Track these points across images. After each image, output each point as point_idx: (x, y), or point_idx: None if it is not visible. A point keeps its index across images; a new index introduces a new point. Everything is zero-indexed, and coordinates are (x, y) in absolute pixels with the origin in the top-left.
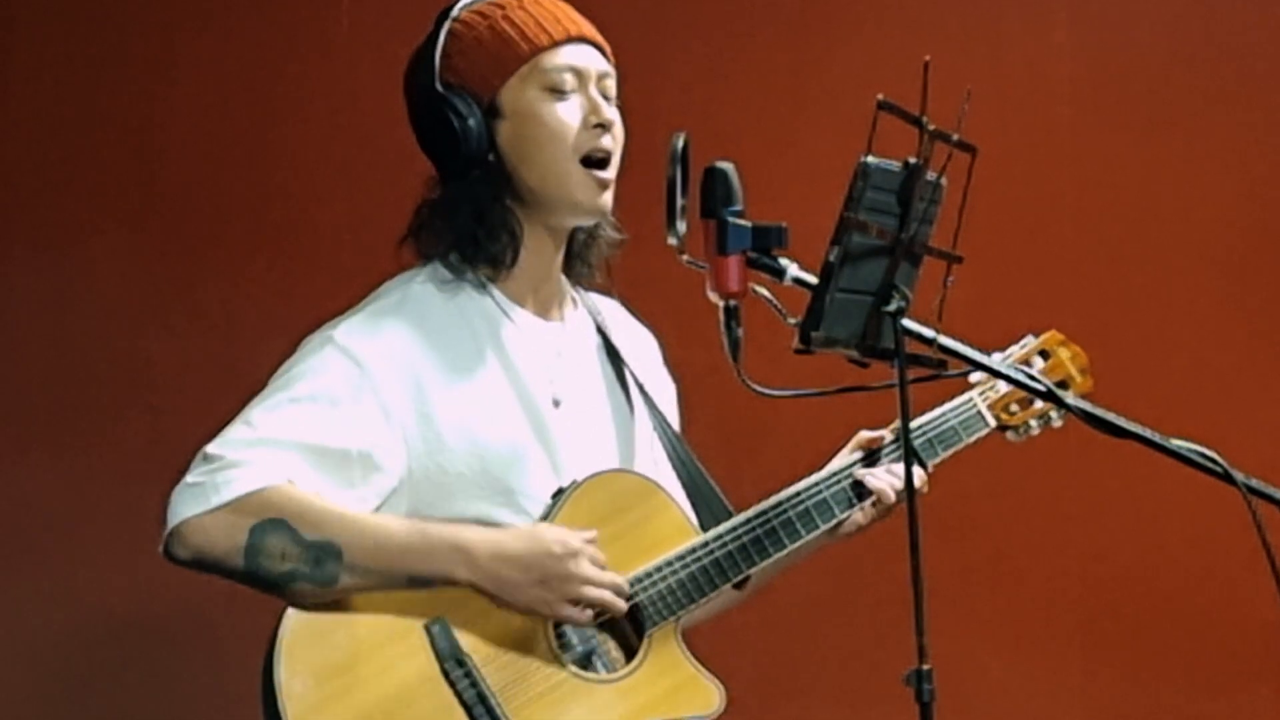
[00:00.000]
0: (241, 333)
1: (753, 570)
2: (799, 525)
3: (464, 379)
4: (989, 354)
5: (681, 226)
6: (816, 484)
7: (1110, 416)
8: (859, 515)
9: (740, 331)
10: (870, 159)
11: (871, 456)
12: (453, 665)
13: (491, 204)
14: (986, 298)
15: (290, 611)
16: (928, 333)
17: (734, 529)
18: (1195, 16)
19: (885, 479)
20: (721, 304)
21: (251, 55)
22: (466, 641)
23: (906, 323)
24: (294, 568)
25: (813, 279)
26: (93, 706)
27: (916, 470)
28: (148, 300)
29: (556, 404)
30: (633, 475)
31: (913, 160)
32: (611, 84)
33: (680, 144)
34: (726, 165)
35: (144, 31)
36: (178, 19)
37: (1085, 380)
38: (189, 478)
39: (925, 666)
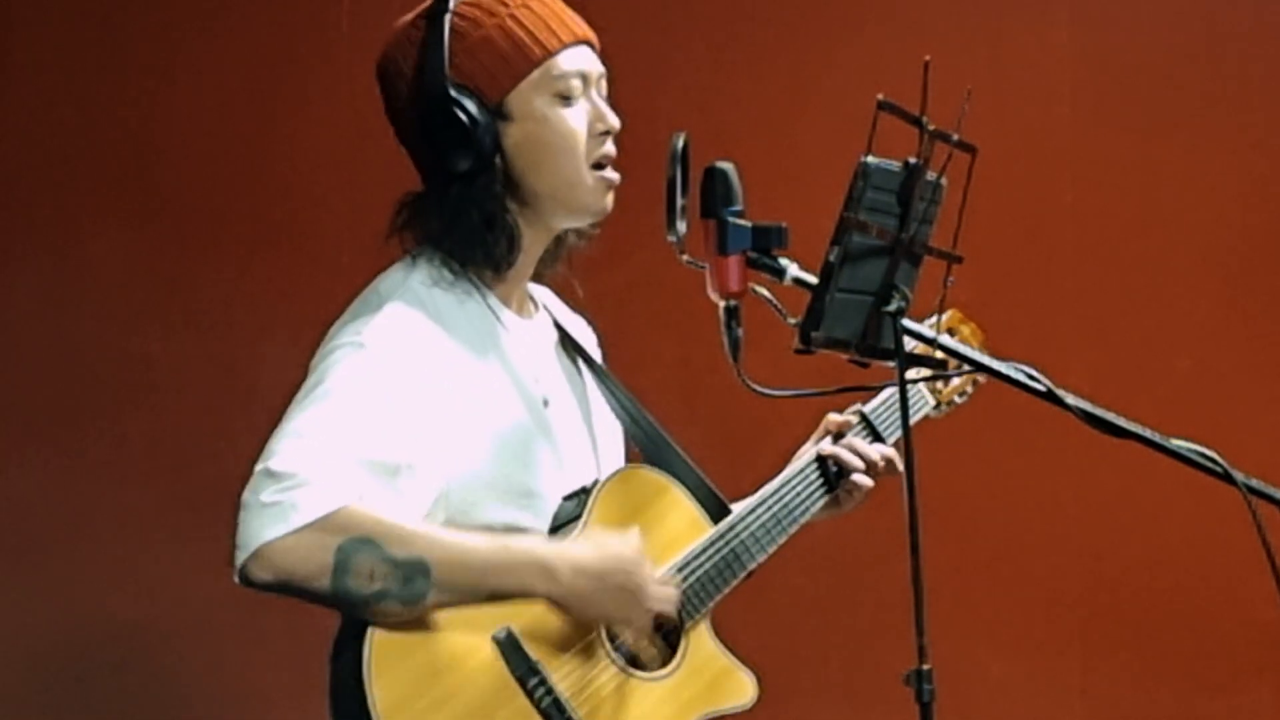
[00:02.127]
0: (241, 333)
1: (772, 551)
2: (796, 511)
3: (477, 382)
4: (987, 355)
5: (681, 226)
6: (803, 469)
7: (1110, 416)
8: (840, 496)
9: (740, 331)
10: (870, 159)
11: (839, 439)
12: (527, 674)
13: (500, 209)
14: (986, 298)
15: (371, 631)
16: (928, 333)
17: (743, 518)
18: (1195, 17)
19: (855, 459)
20: (721, 304)
21: (251, 55)
22: (532, 649)
23: (906, 323)
24: (384, 587)
25: (813, 279)
26: (93, 706)
27: (891, 451)
28: (148, 300)
29: (546, 403)
30: (647, 471)
31: (913, 160)
32: (605, 84)
33: (680, 144)
34: (726, 165)
35: (144, 31)
36: (178, 19)
37: (982, 348)
38: (263, 497)
39: (925, 666)
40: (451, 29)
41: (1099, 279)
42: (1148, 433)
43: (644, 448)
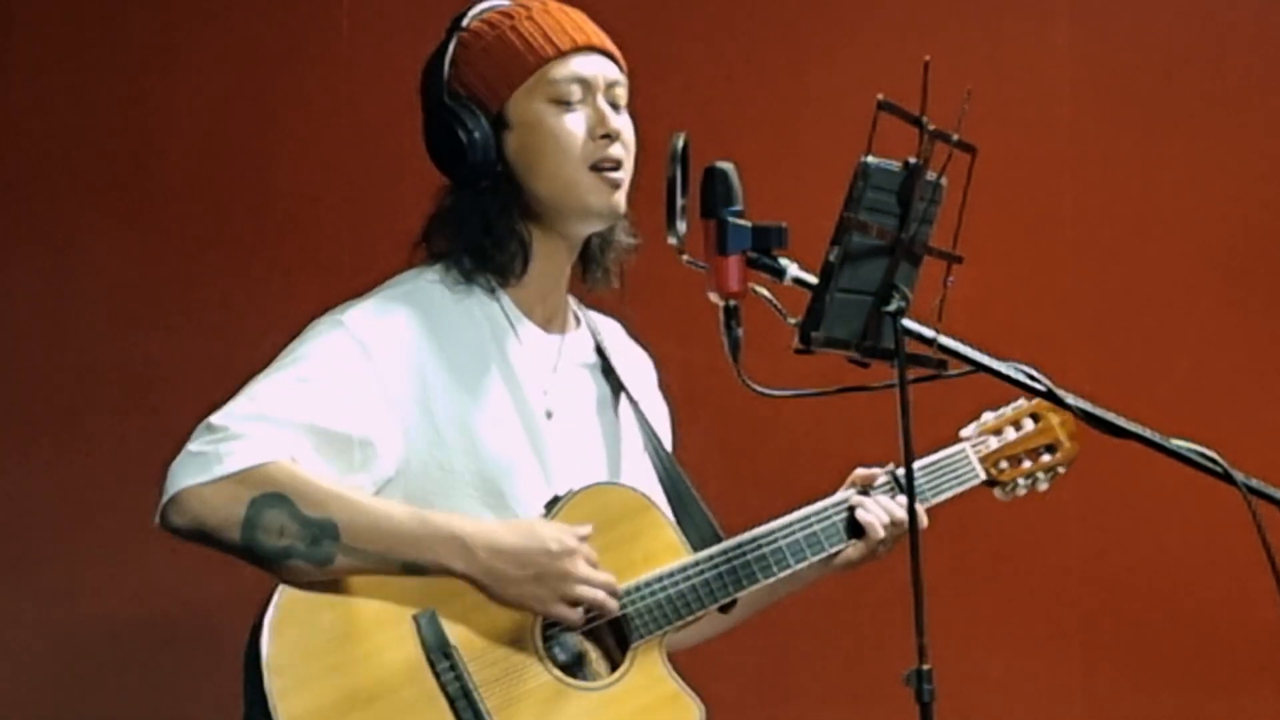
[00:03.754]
0: (241, 333)
1: (739, 595)
2: (788, 555)
3: (466, 379)
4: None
5: (681, 226)
6: (809, 516)
7: (1110, 416)
8: (850, 551)
9: (740, 331)
10: (870, 159)
11: (865, 493)
12: (439, 657)
13: (499, 215)
14: (986, 298)
15: (281, 588)
16: (928, 333)
17: (724, 552)
18: (1195, 16)
19: (876, 512)
20: (721, 304)
21: (251, 55)
22: (454, 635)
23: (906, 323)
24: (291, 544)
25: (813, 279)
26: (93, 706)
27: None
28: (148, 300)
29: (549, 415)
30: (627, 490)
31: (913, 160)
32: (622, 92)
33: (680, 144)
34: (726, 165)
35: (144, 31)
36: (178, 19)
37: (1073, 445)
38: (191, 446)
39: (925, 666)
40: (458, 43)
41: (1099, 279)
42: (1148, 433)
43: (665, 490)
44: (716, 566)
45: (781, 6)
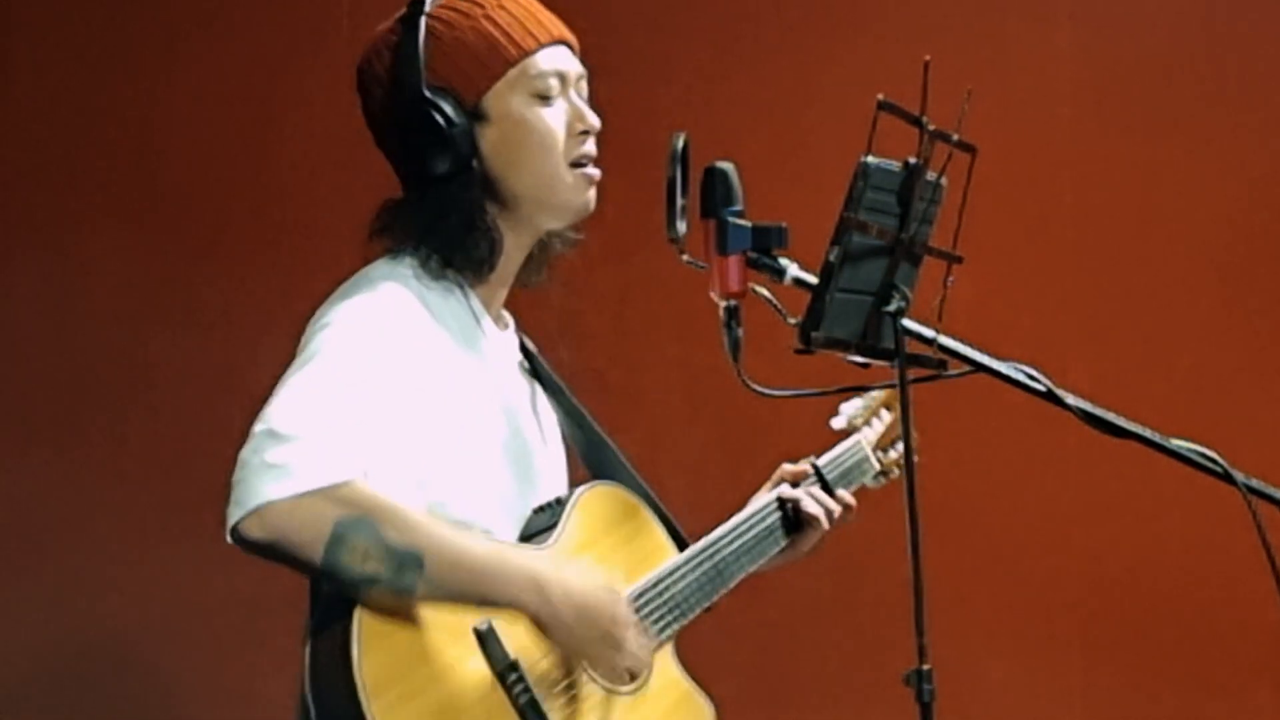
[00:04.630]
0: (241, 333)
1: (719, 596)
2: (754, 550)
3: (464, 381)
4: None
5: (681, 226)
6: (759, 511)
7: (1110, 416)
8: (795, 543)
9: (740, 331)
10: (870, 159)
11: (795, 489)
12: (506, 670)
13: (479, 211)
14: (986, 298)
15: (358, 611)
16: (928, 333)
17: (706, 549)
18: (1196, 17)
19: (816, 504)
20: (721, 304)
21: (251, 55)
22: (512, 646)
23: (906, 323)
24: (376, 571)
25: (813, 279)
26: (93, 706)
27: (848, 497)
28: (148, 300)
29: (514, 414)
30: (621, 490)
31: (913, 160)
32: (585, 85)
33: (680, 144)
34: (726, 165)
35: (144, 31)
36: (178, 19)
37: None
38: (267, 456)
39: (925, 666)
40: (427, 31)
41: (1099, 279)
42: (1148, 433)
43: (593, 466)
44: (703, 564)
45: (781, 6)
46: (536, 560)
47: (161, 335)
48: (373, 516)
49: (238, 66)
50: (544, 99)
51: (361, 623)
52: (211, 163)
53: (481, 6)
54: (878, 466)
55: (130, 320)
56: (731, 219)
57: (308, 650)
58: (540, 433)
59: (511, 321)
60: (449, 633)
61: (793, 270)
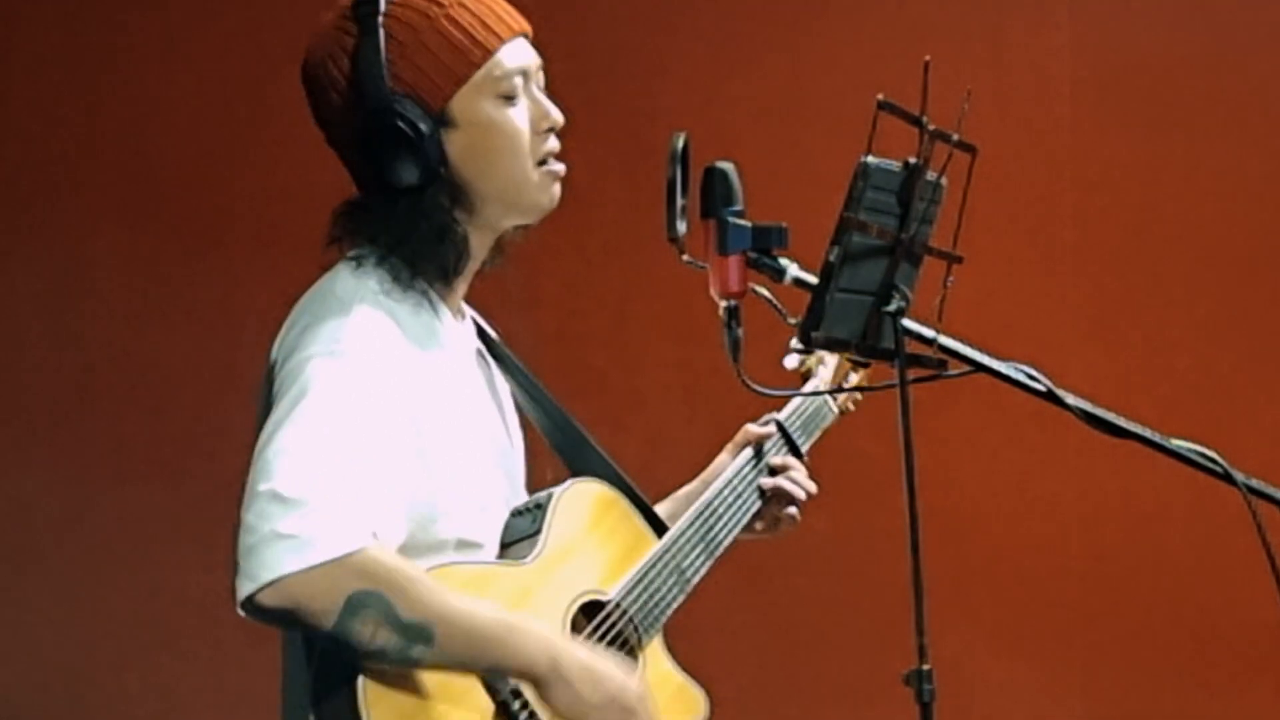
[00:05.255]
0: (241, 333)
1: (700, 578)
2: (730, 526)
3: (439, 394)
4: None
5: (681, 226)
6: (732, 478)
7: (1110, 416)
8: (768, 515)
9: (740, 331)
10: (870, 159)
11: (760, 451)
12: (510, 698)
13: (450, 219)
14: (986, 298)
15: (364, 676)
16: (928, 333)
17: (683, 532)
18: (1195, 16)
19: (793, 484)
20: (721, 304)
21: (252, 55)
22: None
23: (906, 323)
24: (384, 645)
25: (813, 279)
26: (93, 706)
27: (798, 462)
28: (148, 300)
29: (479, 410)
30: (598, 485)
31: (913, 160)
32: (542, 75)
33: (680, 144)
34: (726, 165)
35: (143, 32)
36: (178, 19)
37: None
38: (279, 526)
39: (925, 666)
40: (386, 33)
41: (1099, 279)
42: (1148, 433)
43: (559, 445)
44: (683, 548)
45: (781, 6)
46: (545, 627)
47: (161, 335)
48: (385, 589)
49: (238, 67)
50: (509, 99)
51: (366, 688)
52: (211, 163)
53: (441, 4)
54: (836, 410)
55: (130, 320)
56: (731, 219)
57: (312, 716)
58: (502, 419)
59: (467, 309)
60: (457, 691)
61: (793, 270)
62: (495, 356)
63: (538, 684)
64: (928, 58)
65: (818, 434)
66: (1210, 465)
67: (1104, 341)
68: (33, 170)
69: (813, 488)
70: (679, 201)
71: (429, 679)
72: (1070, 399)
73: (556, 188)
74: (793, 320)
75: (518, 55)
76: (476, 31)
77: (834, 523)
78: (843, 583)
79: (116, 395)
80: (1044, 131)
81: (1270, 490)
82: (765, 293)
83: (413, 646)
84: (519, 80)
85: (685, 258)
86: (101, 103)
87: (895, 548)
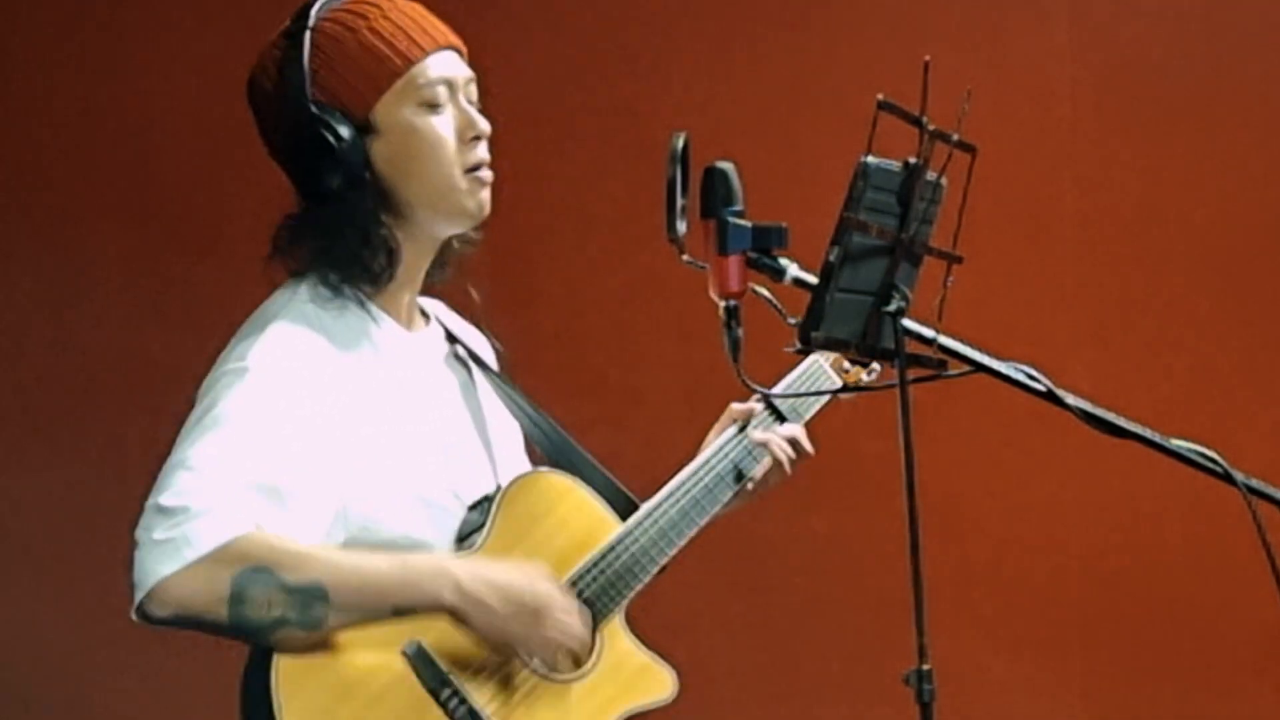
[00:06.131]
0: None
1: (674, 553)
2: (704, 502)
3: (368, 397)
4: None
5: (681, 226)
6: (710, 458)
7: (1110, 416)
8: (759, 472)
9: (740, 331)
10: (870, 159)
11: (743, 428)
12: (439, 685)
13: (374, 224)
14: (986, 298)
15: (276, 659)
16: (928, 333)
17: (650, 514)
18: (1196, 17)
19: (773, 438)
20: (721, 304)
21: (252, 55)
22: (444, 659)
23: (906, 323)
24: (282, 614)
25: (813, 279)
26: (93, 706)
27: (796, 428)
28: (148, 300)
29: (435, 412)
30: (552, 474)
31: (913, 160)
32: (474, 89)
33: (680, 144)
34: (726, 165)
35: (143, 31)
36: (178, 19)
37: None
38: (155, 534)
39: (925, 666)
40: (312, 46)
41: (1099, 279)
42: (1148, 433)
43: (547, 451)
44: (647, 530)
45: (781, 6)
46: (442, 558)
47: (161, 335)
48: (266, 564)
49: (238, 66)
50: (433, 107)
51: (280, 669)
52: (211, 163)
53: (365, 18)
54: (840, 381)
55: (130, 320)
56: (731, 219)
57: (240, 706)
58: (478, 420)
59: (433, 315)
60: (375, 662)
61: (793, 270)
62: (477, 362)
63: (453, 616)
64: (928, 58)
65: (817, 405)
66: (1210, 465)
67: (1104, 341)
68: (33, 170)
69: (807, 449)
70: (679, 201)
71: (353, 668)
72: (1070, 399)
73: (485, 194)
74: (793, 320)
75: (443, 66)
76: (399, 42)
77: (834, 523)
78: (843, 583)
79: (116, 395)
80: (1044, 131)
81: (1270, 490)
82: (765, 293)
83: (311, 607)
84: (442, 89)
85: (685, 258)
86: (101, 103)
87: (895, 548)
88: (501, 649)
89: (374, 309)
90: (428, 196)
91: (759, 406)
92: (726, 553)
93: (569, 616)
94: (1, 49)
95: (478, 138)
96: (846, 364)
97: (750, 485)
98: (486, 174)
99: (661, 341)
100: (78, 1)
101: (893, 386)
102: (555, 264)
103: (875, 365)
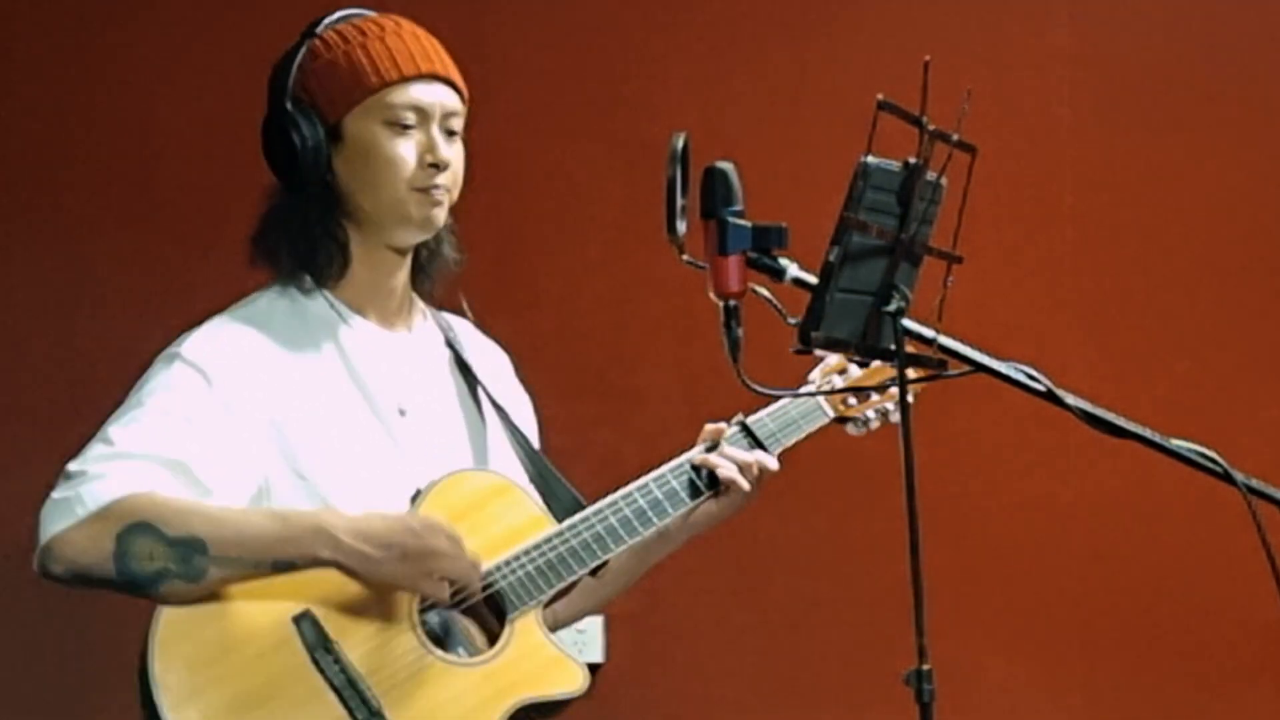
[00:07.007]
0: None
1: (608, 557)
2: (651, 513)
3: (312, 384)
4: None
5: (681, 226)
6: (665, 473)
7: (1110, 416)
8: (712, 505)
9: (740, 331)
10: (870, 159)
11: (716, 447)
12: (321, 653)
13: (321, 218)
14: (986, 298)
15: (162, 609)
16: (928, 333)
17: (587, 518)
18: (1195, 17)
19: (728, 465)
20: (721, 304)
21: (252, 55)
22: (333, 628)
23: (906, 323)
24: (163, 566)
25: (813, 279)
26: (93, 706)
27: (766, 458)
28: (148, 300)
29: (402, 413)
30: (486, 473)
31: (913, 160)
32: (458, 122)
33: (680, 144)
34: (726, 165)
35: (143, 31)
36: (178, 19)
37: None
38: (54, 494)
39: (925, 666)
40: (309, 51)
41: (1099, 279)
42: (1148, 433)
43: (530, 475)
44: (580, 534)
45: (781, 7)
46: (321, 512)
47: (161, 335)
48: (148, 519)
49: (238, 67)
50: (397, 128)
51: (162, 621)
52: (211, 163)
53: (364, 35)
54: (831, 413)
55: (130, 320)
56: (731, 219)
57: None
58: (472, 424)
59: (444, 326)
60: (264, 622)
61: (793, 270)
62: (476, 382)
63: (336, 568)
64: (928, 58)
65: (800, 435)
66: (1210, 465)
67: (1104, 341)
68: (33, 170)
69: (747, 458)
70: (679, 201)
71: (238, 628)
72: (1070, 399)
73: (435, 210)
74: (793, 320)
75: (421, 93)
76: (382, 63)
77: (834, 523)
78: (843, 583)
79: (116, 395)
80: (1044, 131)
81: (1270, 490)
82: (765, 293)
83: (191, 559)
84: (411, 114)
85: (685, 258)
86: (101, 103)
87: (895, 548)
88: (387, 592)
89: (338, 303)
90: (376, 207)
91: (730, 428)
92: (727, 553)
93: (454, 554)
94: (2, 49)
95: (435, 165)
96: (851, 399)
97: (714, 502)
98: (438, 193)
99: (661, 341)
100: (78, 2)
101: (893, 386)
102: (555, 264)
103: (871, 417)
